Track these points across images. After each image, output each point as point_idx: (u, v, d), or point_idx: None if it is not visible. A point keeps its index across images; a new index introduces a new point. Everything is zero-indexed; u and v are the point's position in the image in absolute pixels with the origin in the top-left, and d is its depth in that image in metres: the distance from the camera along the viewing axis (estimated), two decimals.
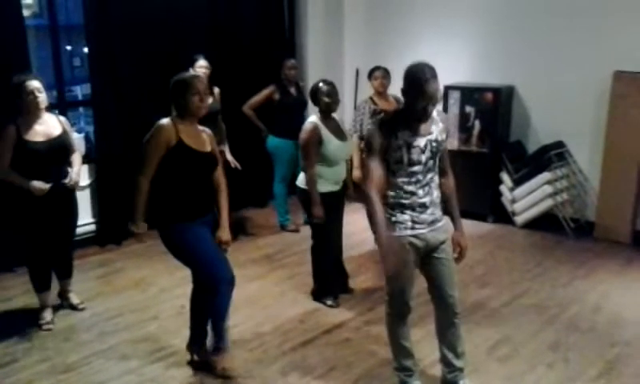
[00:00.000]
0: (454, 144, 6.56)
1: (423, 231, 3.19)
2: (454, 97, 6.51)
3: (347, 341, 4.09)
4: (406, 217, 3.16)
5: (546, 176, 6.09)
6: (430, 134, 3.12)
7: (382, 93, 5.48)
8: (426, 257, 3.28)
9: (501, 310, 4.58)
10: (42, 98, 4.09)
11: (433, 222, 3.22)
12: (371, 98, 5.51)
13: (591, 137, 6.13)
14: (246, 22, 6.83)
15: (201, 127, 3.58)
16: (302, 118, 5.11)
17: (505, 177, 6.41)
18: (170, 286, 4.80)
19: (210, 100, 5.52)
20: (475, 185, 6.52)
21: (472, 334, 4.18)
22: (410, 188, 3.13)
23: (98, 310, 4.58)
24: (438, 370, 3.74)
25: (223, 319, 3.64)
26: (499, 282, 5.04)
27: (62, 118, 4.34)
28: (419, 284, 5.02)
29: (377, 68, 5.55)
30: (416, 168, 3.10)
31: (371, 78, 5.55)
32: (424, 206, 3.18)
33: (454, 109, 6.51)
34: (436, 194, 3.25)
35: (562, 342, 4.08)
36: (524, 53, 6.43)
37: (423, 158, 3.10)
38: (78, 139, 5.75)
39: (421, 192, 3.15)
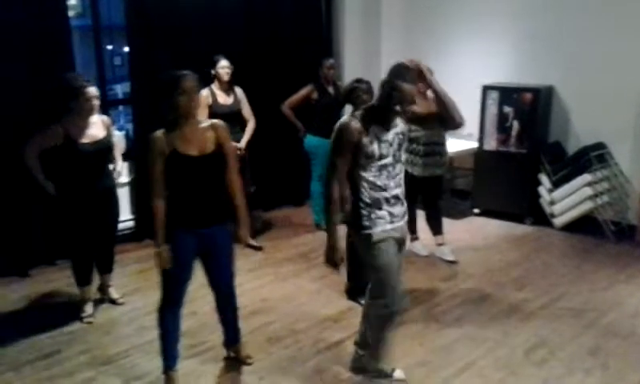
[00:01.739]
0: (491, 144, 6.51)
1: (400, 223, 3.30)
2: (493, 97, 6.45)
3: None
4: (383, 212, 3.23)
5: (585, 178, 5.98)
6: (395, 126, 3.20)
7: (422, 93, 5.37)
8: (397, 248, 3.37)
9: (538, 312, 4.52)
10: (97, 104, 4.22)
11: (404, 215, 3.34)
12: None
13: (634, 138, 6.00)
14: (284, 21, 6.88)
15: (207, 122, 3.39)
16: (339, 118, 5.12)
17: (543, 178, 6.32)
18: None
19: (231, 100, 5.57)
20: (513, 186, 6.46)
21: (508, 337, 4.14)
22: (382, 181, 3.19)
23: (137, 305, 4.68)
24: (474, 373, 3.73)
25: (168, 336, 3.56)
26: (536, 285, 4.98)
27: (105, 118, 4.42)
28: (456, 284, 5.02)
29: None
30: (386, 161, 3.17)
31: None
32: (397, 198, 3.26)
33: (493, 109, 6.44)
34: (403, 186, 3.32)
35: (601, 347, 4.01)
36: (564, 52, 6.32)
37: (391, 150, 3.18)
38: (118, 137, 5.89)
39: (392, 184, 3.23)
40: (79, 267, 4.47)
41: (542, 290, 4.87)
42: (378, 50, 7.62)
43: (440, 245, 5.61)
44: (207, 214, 3.40)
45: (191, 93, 3.20)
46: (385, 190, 3.20)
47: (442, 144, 5.42)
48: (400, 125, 3.23)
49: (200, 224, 3.38)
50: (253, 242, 5.77)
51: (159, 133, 3.25)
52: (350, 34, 7.43)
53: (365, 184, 3.19)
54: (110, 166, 4.48)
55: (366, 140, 3.11)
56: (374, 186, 3.19)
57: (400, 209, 3.29)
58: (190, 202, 3.33)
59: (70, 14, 5.53)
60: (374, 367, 3.55)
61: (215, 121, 3.47)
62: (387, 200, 3.22)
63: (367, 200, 3.21)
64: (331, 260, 3.32)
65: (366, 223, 3.22)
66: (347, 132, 3.12)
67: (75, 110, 4.12)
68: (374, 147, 3.13)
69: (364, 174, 3.18)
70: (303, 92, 6.15)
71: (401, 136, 3.23)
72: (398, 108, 3.09)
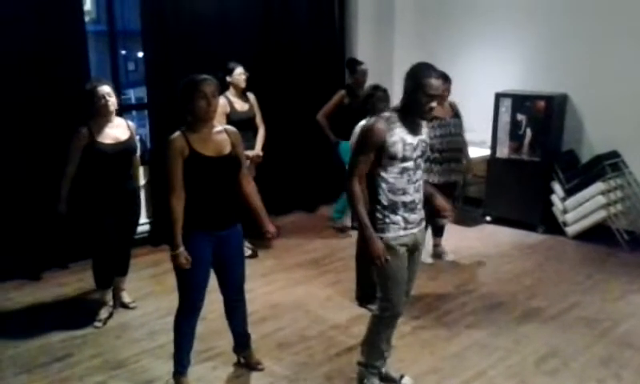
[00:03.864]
0: (504, 152, 6.49)
1: (414, 231, 3.31)
2: (506, 104, 6.43)
3: (392, 348, 4.08)
4: (398, 217, 3.24)
5: (599, 186, 5.95)
6: (420, 134, 3.25)
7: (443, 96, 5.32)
8: (409, 254, 3.36)
9: (550, 322, 4.49)
10: (112, 101, 4.28)
11: (420, 221, 3.36)
12: None
13: None
14: (297, 28, 6.90)
15: (221, 127, 3.47)
16: None
17: (556, 186, 6.29)
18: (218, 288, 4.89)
19: (247, 106, 5.59)
20: (526, 194, 6.43)
21: (520, 345, 4.12)
22: (402, 185, 3.21)
23: (149, 309, 4.70)
24: (484, 381, 3.72)
25: (184, 342, 3.57)
26: (548, 294, 4.95)
27: (131, 123, 4.51)
28: (467, 292, 4.99)
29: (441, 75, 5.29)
30: (408, 164, 3.19)
31: None
32: (414, 204, 3.27)
33: (505, 116, 6.42)
34: (422, 193, 3.34)
35: (614, 357, 3.98)
36: (578, 60, 6.30)
37: (414, 155, 3.21)
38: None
39: (411, 189, 3.24)
40: (101, 269, 4.50)
41: (554, 299, 4.84)
42: (390, 58, 7.62)
43: (437, 245, 5.73)
44: (223, 215, 3.44)
45: (210, 97, 3.27)
46: (404, 193, 3.21)
47: (460, 151, 5.42)
48: (424, 134, 3.28)
49: (216, 226, 3.42)
50: (248, 246, 5.67)
51: (177, 134, 3.30)
52: (362, 41, 7.44)
53: (384, 185, 3.20)
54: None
55: (390, 140, 3.13)
56: (393, 188, 3.20)
57: (416, 216, 3.30)
58: (207, 204, 3.37)
59: (85, 19, 5.59)
60: (366, 361, 3.54)
61: (227, 126, 3.55)
62: (405, 205, 3.23)
63: (384, 202, 3.22)
64: (373, 254, 3.18)
65: (379, 226, 3.23)
66: (373, 132, 3.16)
67: (95, 112, 4.24)
68: (398, 148, 3.14)
69: (385, 175, 3.19)
70: (336, 99, 6.19)
71: (424, 144, 3.26)
72: (425, 103, 3.10)
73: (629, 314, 4.58)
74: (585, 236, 6.13)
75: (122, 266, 4.67)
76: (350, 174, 3.23)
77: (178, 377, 3.59)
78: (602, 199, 5.94)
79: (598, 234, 6.07)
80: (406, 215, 3.24)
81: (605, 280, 5.22)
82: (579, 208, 6.11)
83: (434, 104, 3.13)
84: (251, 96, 5.68)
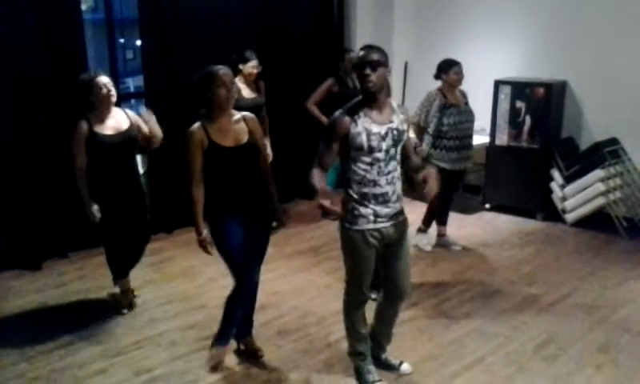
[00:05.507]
0: (503, 139, 6.48)
1: (385, 225, 3.26)
2: (505, 92, 6.41)
3: (392, 335, 4.10)
4: (368, 210, 3.22)
5: (598, 173, 5.95)
6: (390, 122, 3.20)
7: (455, 87, 5.35)
8: (386, 248, 3.34)
9: (548, 308, 4.50)
10: (114, 91, 4.25)
11: (395, 216, 3.30)
12: (441, 91, 5.33)
13: None
14: (296, 16, 6.88)
15: (239, 114, 3.52)
16: None
17: (556, 173, 6.29)
18: (218, 275, 4.86)
19: (255, 94, 5.60)
20: (525, 181, 6.43)
21: (518, 332, 4.14)
22: (372, 176, 3.19)
23: (148, 298, 4.71)
24: (483, 368, 3.73)
25: (246, 313, 3.73)
26: (547, 281, 4.96)
27: (130, 112, 4.47)
28: (466, 279, 5.00)
29: (457, 63, 5.30)
30: (377, 155, 3.17)
31: (450, 72, 5.26)
32: (386, 197, 3.23)
33: (505, 104, 6.41)
34: (399, 185, 3.30)
35: (611, 343, 4.00)
36: (577, 47, 6.28)
37: (384, 145, 3.17)
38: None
39: (383, 181, 3.21)
40: (115, 260, 4.48)
41: (552, 286, 4.86)
42: (389, 44, 7.58)
43: (443, 235, 5.70)
44: (246, 202, 3.50)
45: (229, 85, 3.35)
46: (374, 185, 3.19)
47: (470, 137, 5.46)
48: (397, 122, 3.22)
49: (240, 211, 3.49)
50: None
51: (197, 126, 3.37)
52: (361, 30, 7.40)
53: (355, 177, 3.21)
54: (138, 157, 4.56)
55: (354, 131, 3.14)
56: (364, 180, 3.19)
57: (389, 211, 3.25)
58: (229, 192, 3.45)
59: (83, 7, 5.56)
60: (351, 349, 3.59)
61: (245, 113, 3.59)
62: (376, 197, 3.21)
63: (354, 195, 3.22)
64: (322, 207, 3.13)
65: (349, 218, 3.25)
66: (335, 123, 3.19)
67: (95, 103, 4.19)
68: (362, 138, 3.13)
69: (355, 167, 3.20)
70: (324, 86, 6.15)
71: (395, 132, 3.20)
72: (360, 73, 3.13)
73: (627, 301, 4.60)
74: (584, 223, 6.13)
75: (134, 257, 4.60)
76: (314, 162, 3.26)
77: (221, 347, 3.71)
78: (601, 186, 5.95)
79: (596, 221, 6.08)
80: (377, 208, 3.22)
81: (603, 267, 5.23)
82: (578, 195, 6.11)
83: (367, 71, 3.11)
84: (261, 84, 5.70)
